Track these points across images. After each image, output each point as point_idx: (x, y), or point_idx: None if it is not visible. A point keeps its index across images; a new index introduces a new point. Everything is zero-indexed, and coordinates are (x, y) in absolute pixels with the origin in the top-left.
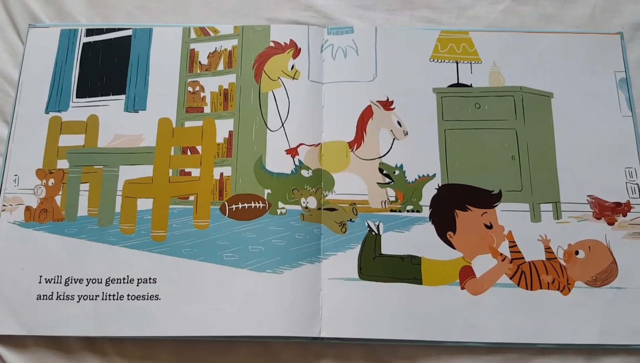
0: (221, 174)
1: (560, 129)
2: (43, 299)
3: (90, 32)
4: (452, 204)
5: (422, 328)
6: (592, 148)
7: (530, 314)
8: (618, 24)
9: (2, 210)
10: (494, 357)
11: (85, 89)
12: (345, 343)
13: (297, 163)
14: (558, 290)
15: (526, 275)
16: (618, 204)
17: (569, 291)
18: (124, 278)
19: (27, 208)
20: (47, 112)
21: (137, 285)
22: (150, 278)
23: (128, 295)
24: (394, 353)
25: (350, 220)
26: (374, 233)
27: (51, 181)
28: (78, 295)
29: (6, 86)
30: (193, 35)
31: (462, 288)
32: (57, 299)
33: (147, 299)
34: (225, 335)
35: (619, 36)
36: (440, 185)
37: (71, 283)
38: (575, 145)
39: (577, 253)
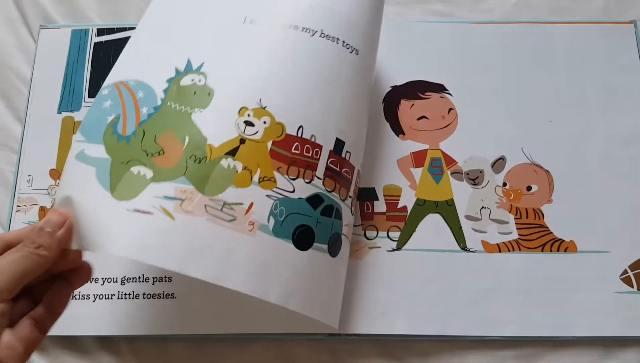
0: None
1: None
2: None
3: (101, 31)
4: None
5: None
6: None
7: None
8: (633, 17)
9: (17, 211)
10: (508, 352)
11: (97, 89)
12: (358, 339)
13: None
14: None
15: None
16: None
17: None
18: (139, 277)
19: (42, 209)
20: (59, 112)
21: (153, 284)
22: (165, 277)
23: (144, 294)
24: (408, 349)
25: None
26: None
27: None
28: (94, 295)
29: (18, 83)
30: None
31: None
32: (72, 298)
33: (163, 297)
34: (242, 332)
35: (632, 25)
36: None
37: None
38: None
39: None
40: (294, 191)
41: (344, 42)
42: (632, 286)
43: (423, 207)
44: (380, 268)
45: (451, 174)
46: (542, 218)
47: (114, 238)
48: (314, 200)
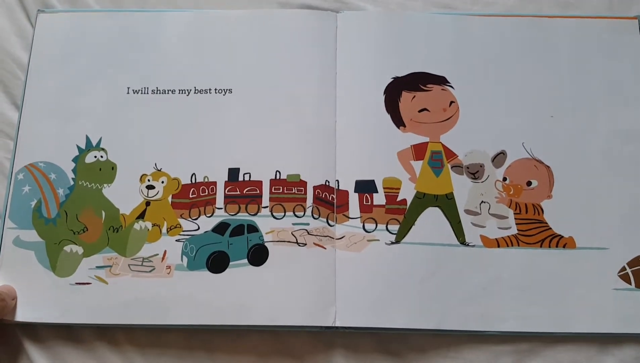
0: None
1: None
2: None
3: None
4: None
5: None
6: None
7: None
8: (637, 12)
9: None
10: (505, 347)
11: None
12: (355, 332)
13: None
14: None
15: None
16: None
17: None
18: None
19: None
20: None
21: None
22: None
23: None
24: (405, 343)
25: None
26: None
27: None
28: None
29: (15, 68)
30: None
31: None
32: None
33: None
34: (239, 324)
35: (636, 21)
36: None
37: None
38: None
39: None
40: (198, 229)
41: (216, 89)
42: (630, 284)
43: (422, 200)
44: (378, 261)
45: (451, 167)
46: (541, 213)
47: (65, 308)
48: (220, 228)
